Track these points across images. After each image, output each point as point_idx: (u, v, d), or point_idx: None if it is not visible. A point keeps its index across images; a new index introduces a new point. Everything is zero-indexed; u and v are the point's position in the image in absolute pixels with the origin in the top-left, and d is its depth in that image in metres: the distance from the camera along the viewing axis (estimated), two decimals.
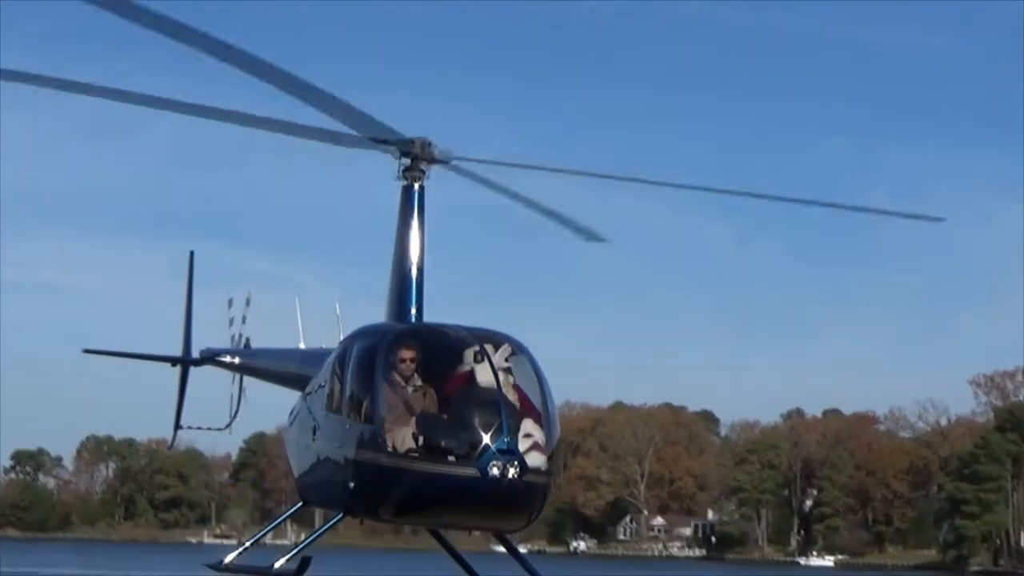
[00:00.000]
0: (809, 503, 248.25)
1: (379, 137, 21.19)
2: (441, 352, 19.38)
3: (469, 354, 19.01)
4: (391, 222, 23.10)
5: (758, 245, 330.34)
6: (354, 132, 21.01)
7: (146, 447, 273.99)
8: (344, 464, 19.79)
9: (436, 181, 22.18)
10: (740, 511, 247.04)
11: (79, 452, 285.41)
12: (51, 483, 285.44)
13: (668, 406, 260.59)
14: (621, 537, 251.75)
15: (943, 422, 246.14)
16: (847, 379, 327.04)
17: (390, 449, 18.62)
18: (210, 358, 27.82)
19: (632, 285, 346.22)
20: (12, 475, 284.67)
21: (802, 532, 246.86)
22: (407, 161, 21.24)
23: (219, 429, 28.41)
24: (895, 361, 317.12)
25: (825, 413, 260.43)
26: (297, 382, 23.62)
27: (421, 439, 18.42)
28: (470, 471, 17.99)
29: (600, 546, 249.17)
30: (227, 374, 28.67)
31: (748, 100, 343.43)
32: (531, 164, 23.19)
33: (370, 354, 19.71)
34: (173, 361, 29.18)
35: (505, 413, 18.32)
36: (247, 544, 23.00)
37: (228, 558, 22.89)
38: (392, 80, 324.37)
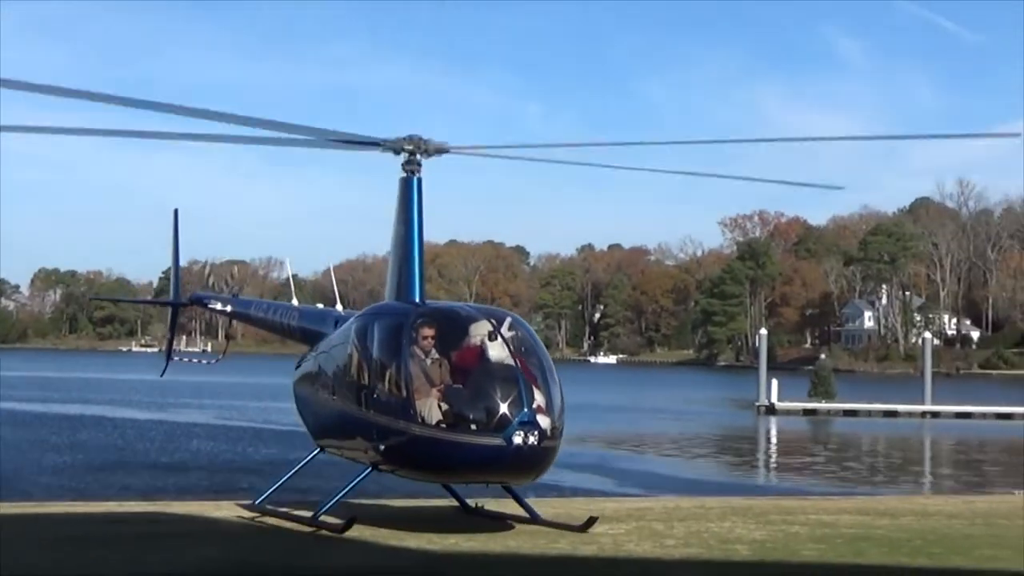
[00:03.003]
0: (597, 316, 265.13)
1: (370, 142, 19.76)
2: (459, 330, 18.21)
3: (483, 331, 17.93)
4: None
5: (560, 117, 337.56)
6: (347, 144, 19.76)
7: (85, 277, 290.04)
8: (372, 428, 18.48)
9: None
10: (545, 322, 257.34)
11: (33, 281, 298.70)
12: (11, 306, 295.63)
13: (490, 242, 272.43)
14: None
15: (699, 253, 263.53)
16: (627, 220, 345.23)
17: (420, 420, 17.51)
18: (198, 302, 27.10)
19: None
20: None
21: (592, 337, 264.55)
22: (404, 156, 19.73)
23: (209, 361, 30.67)
24: (664, 207, 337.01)
25: (610, 247, 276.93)
26: (298, 334, 22.71)
27: (450, 411, 17.42)
28: (497, 441, 17.09)
29: None
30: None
31: None
32: (520, 146, 22.38)
33: (395, 330, 18.39)
34: (166, 304, 29.26)
35: (523, 386, 17.32)
36: (277, 485, 20.68)
37: (262, 498, 20.79)
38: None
